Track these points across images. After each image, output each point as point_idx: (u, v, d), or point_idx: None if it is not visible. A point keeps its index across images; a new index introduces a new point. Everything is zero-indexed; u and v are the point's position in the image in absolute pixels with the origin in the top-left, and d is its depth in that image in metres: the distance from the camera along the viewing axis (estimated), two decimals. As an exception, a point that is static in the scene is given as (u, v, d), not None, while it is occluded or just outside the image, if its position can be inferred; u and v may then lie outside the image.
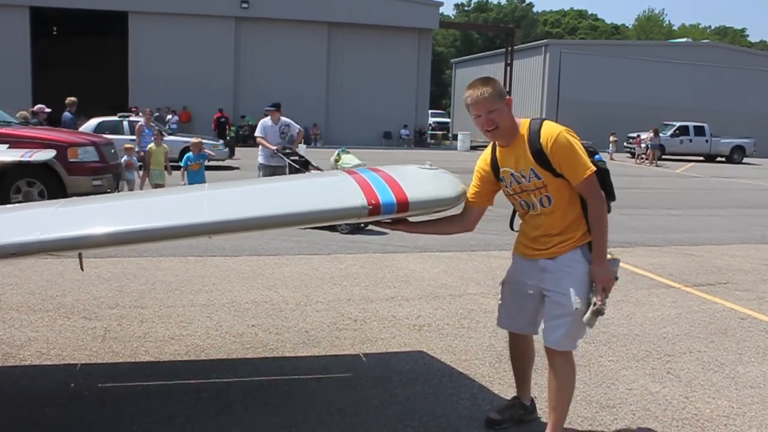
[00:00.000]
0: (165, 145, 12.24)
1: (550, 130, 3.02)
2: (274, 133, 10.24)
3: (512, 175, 3.14)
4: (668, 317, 5.59)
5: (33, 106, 34.08)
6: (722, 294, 6.46)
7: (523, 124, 3.12)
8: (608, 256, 3.10)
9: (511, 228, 3.45)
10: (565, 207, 3.08)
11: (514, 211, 3.38)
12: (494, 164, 3.22)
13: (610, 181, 3.15)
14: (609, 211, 3.15)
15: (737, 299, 6.27)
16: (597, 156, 3.14)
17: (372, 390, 3.87)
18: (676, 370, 4.37)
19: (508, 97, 3.11)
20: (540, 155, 3.01)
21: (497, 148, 3.21)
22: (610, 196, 3.15)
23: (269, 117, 10.39)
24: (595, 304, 3.03)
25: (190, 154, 11.32)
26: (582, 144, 3.10)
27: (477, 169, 3.31)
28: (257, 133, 10.33)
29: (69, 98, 14.81)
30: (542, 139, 3.01)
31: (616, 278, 3.10)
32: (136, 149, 12.68)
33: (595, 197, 3.02)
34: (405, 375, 4.13)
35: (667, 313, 5.73)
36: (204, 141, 19.85)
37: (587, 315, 3.06)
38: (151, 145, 12.04)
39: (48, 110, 14.39)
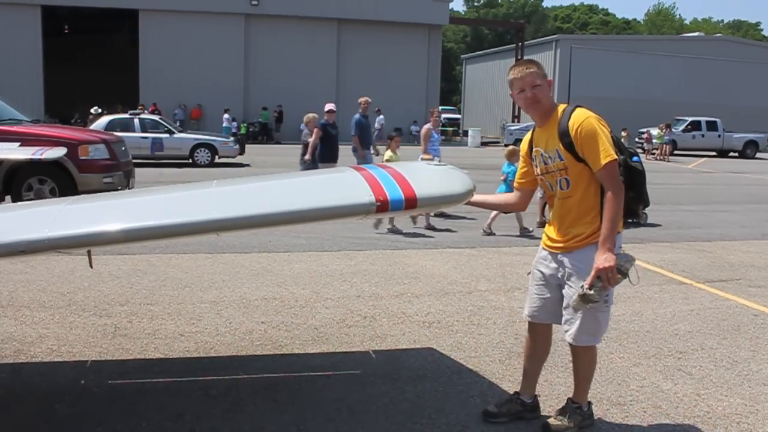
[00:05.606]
0: (398, 153, 9.90)
1: (580, 115, 3.14)
2: None
3: (542, 155, 3.27)
4: (680, 314, 5.54)
5: (44, 105, 33.71)
6: (735, 290, 6.40)
7: (560, 107, 3.25)
8: (621, 251, 3.13)
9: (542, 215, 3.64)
10: (582, 193, 3.15)
11: (544, 204, 3.50)
12: (531, 144, 3.39)
13: (645, 184, 3.25)
14: (643, 220, 3.19)
15: (750, 296, 6.21)
16: (635, 158, 3.19)
17: (381, 387, 3.87)
18: (687, 368, 4.33)
19: (549, 79, 3.27)
20: (565, 137, 3.12)
21: (535, 130, 3.36)
22: (644, 200, 3.28)
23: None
24: (582, 287, 3.02)
25: None
26: (625, 145, 3.19)
27: (521, 153, 3.51)
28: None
29: (362, 98, 12.01)
30: (570, 122, 3.12)
31: (625, 275, 3.05)
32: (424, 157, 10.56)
33: (614, 185, 3.06)
34: (414, 372, 4.12)
35: (679, 309, 5.68)
36: (215, 138, 20.04)
37: (574, 298, 3.05)
38: (389, 151, 9.89)
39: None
